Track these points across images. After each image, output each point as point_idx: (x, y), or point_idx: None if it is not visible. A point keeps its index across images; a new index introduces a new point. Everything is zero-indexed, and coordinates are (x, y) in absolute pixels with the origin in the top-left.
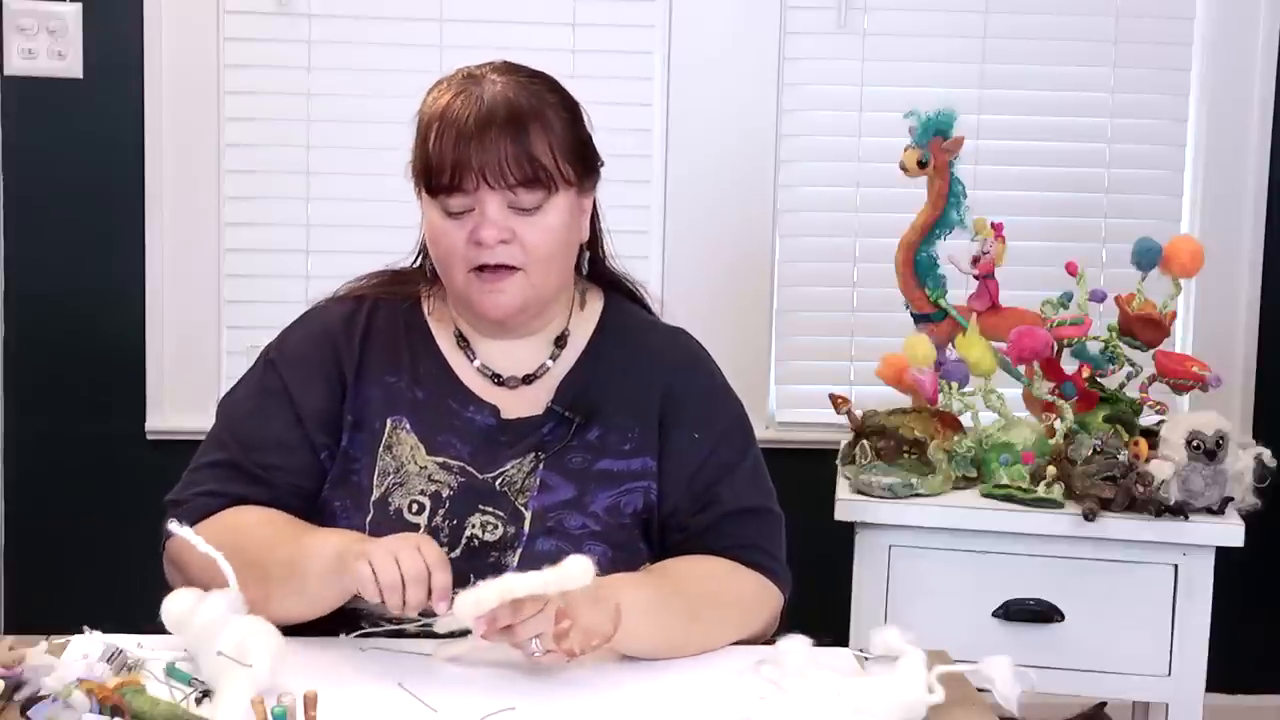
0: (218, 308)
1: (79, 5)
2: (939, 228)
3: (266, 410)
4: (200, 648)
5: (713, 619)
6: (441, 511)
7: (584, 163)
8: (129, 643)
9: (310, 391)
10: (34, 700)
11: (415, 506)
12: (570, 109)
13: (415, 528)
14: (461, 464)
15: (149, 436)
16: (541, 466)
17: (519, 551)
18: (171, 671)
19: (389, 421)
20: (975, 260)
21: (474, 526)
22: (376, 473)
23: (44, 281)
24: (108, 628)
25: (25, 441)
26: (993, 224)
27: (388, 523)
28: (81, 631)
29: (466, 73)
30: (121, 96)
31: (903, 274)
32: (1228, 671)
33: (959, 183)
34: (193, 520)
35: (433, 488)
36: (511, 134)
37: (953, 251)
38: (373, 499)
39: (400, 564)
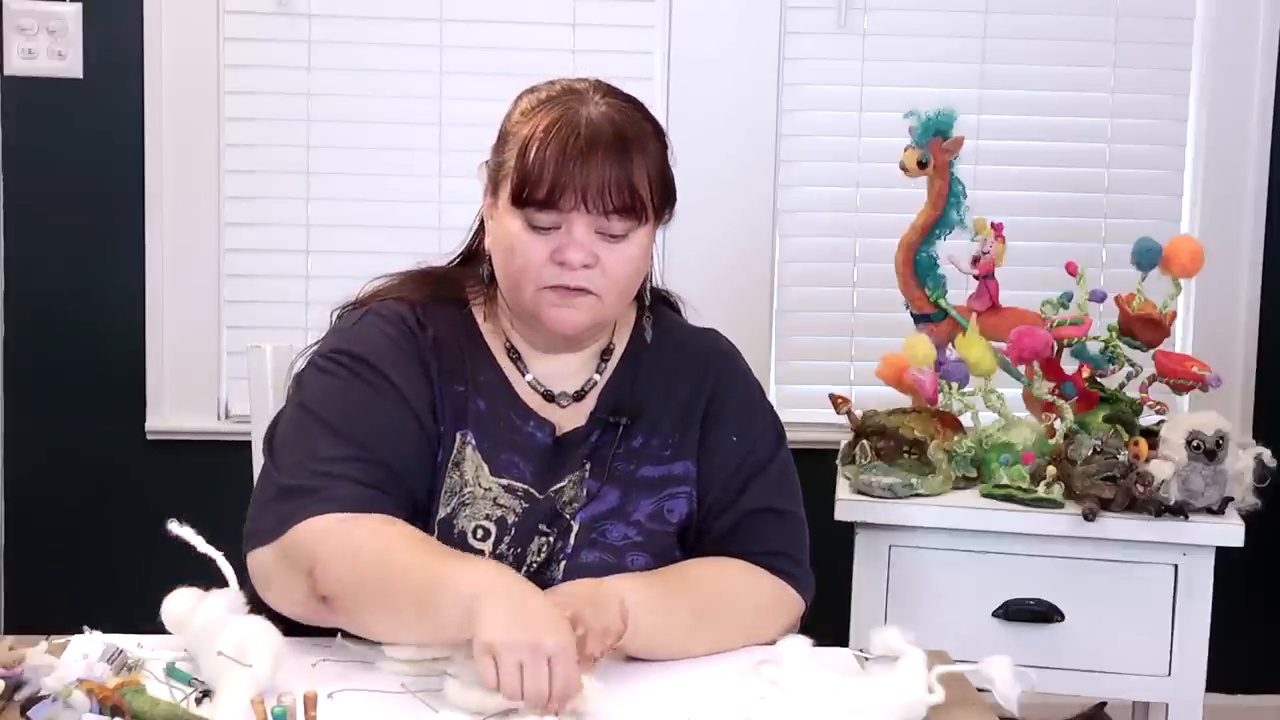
0: (218, 308)
1: (79, 5)
2: (939, 228)
3: (384, 410)
4: (200, 648)
5: (720, 621)
6: (507, 539)
7: (666, 197)
8: (129, 643)
9: (416, 387)
10: (34, 700)
11: (480, 532)
12: (661, 139)
13: (479, 554)
14: (525, 487)
15: (149, 436)
16: (588, 475)
17: (564, 564)
18: (171, 671)
19: (457, 436)
20: (975, 260)
21: (535, 552)
22: (444, 490)
23: (44, 281)
24: (108, 628)
25: (25, 441)
26: (993, 224)
27: (450, 545)
28: (81, 631)
29: (566, 86)
30: (121, 96)
31: (903, 274)
32: (1228, 671)
33: (959, 183)
34: (336, 508)
35: (498, 512)
36: (616, 159)
37: (953, 251)
38: (438, 518)
39: (524, 678)
